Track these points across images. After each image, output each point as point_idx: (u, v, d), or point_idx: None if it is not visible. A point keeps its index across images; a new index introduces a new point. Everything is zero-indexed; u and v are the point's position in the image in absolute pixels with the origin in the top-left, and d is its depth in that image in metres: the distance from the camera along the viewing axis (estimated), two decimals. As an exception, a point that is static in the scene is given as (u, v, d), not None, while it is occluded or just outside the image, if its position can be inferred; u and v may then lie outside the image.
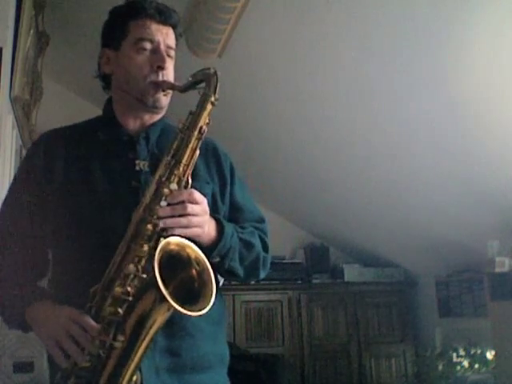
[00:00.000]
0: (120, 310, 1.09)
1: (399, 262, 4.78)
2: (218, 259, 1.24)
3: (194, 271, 1.10)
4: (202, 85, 1.22)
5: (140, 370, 1.11)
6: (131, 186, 1.25)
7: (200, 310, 1.05)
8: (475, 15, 2.23)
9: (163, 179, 1.15)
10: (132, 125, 1.34)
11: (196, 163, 1.21)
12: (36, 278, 1.31)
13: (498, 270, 3.51)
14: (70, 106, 4.20)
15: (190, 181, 1.18)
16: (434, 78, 2.63)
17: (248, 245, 1.31)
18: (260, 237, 1.37)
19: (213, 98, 1.21)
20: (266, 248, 1.38)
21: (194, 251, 1.11)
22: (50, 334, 1.12)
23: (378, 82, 2.82)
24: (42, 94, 3.38)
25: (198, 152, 1.19)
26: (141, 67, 1.28)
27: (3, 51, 2.43)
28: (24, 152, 3.15)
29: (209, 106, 1.20)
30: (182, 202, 1.13)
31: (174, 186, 1.15)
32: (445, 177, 3.29)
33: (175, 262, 1.09)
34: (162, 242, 1.08)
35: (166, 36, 1.31)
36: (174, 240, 1.10)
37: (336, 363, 4.56)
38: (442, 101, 2.75)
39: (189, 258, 1.11)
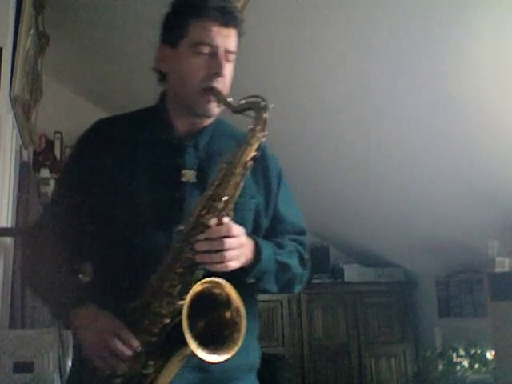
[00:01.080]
0: (155, 330, 1.12)
1: (399, 262, 4.78)
2: (252, 281, 1.22)
3: (229, 316, 1.12)
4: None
5: None
6: (174, 197, 1.23)
7: (219, 355, 1.07)
8: (475, 15, 2.23)
9: (203, 213, 1.14)
10: (182, 126, 1.30)
11: None
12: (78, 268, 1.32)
13: (498, 269, 3.51)
14: (70, 106, 4.21)
15: (232, 214, 1.16)
16: (434, 77, 2.63)
17: (285, 266, 1.28)
18: (298, 252, 1.34)
19: (261, 135, 1.17)
20: (303, 263, 1.35)
21: (238, 300, 1.12)
22: (91, 341, 1.13)
23: (379, 81, 2.82)
24: (42, 94, 3.38)
25: (241, 185, 1.17)
26: (196, 71, 1.23)
27: (3, 51, 2.43)
28: (24, 152, 3.15)
29: (256, 143, 1.17)
30: (220, 237, 1.12)
31: (213, 220, 1.13)
32: (445, 177, 3.29)
33: (215, 301, 1.11)
34: (199, 283, 1.09)
35: (226, 39, 1.24)
36: (220, 280, 1.11)
37: (336, 363, 4.56)
38: (442, 100, 2.75)
39: (229, 302, 1.12)
